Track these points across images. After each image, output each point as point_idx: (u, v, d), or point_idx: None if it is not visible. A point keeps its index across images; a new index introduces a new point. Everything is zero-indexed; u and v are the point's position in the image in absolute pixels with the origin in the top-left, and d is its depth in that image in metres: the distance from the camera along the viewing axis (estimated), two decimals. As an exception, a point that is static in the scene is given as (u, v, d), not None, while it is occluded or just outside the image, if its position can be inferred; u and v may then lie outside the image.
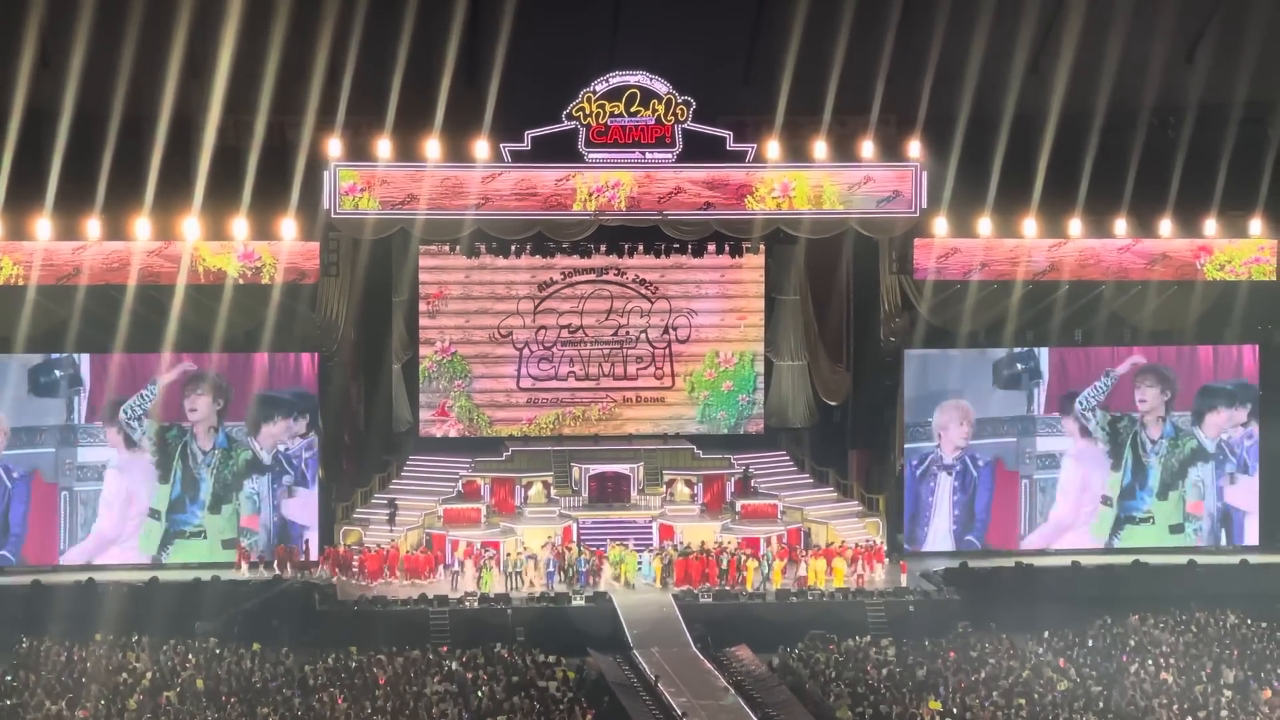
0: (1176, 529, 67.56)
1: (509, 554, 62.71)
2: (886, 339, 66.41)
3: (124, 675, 52.54)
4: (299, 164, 62.93)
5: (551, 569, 61.99)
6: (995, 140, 64.76)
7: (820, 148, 64.11)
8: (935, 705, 50.78)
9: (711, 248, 66.91)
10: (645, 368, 71.73)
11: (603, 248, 67.34)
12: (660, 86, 63.02)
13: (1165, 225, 65.76)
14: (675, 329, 71.65)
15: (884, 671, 54.10)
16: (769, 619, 59.83)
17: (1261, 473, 67.90)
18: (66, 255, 62.01)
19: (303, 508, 64.29)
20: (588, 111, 62.94)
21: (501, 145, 62.82)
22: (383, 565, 62.48)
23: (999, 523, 66.97)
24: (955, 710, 50.54)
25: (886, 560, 64.00)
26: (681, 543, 63.86)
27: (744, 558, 62.49)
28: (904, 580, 62.63)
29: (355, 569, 62.45)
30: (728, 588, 61.21)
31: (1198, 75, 67.60)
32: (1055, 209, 65.25)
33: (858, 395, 69.28)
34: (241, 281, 63.01)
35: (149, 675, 52.85)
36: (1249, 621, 58.92)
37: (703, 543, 63.68)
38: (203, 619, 58.81)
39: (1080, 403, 66.83)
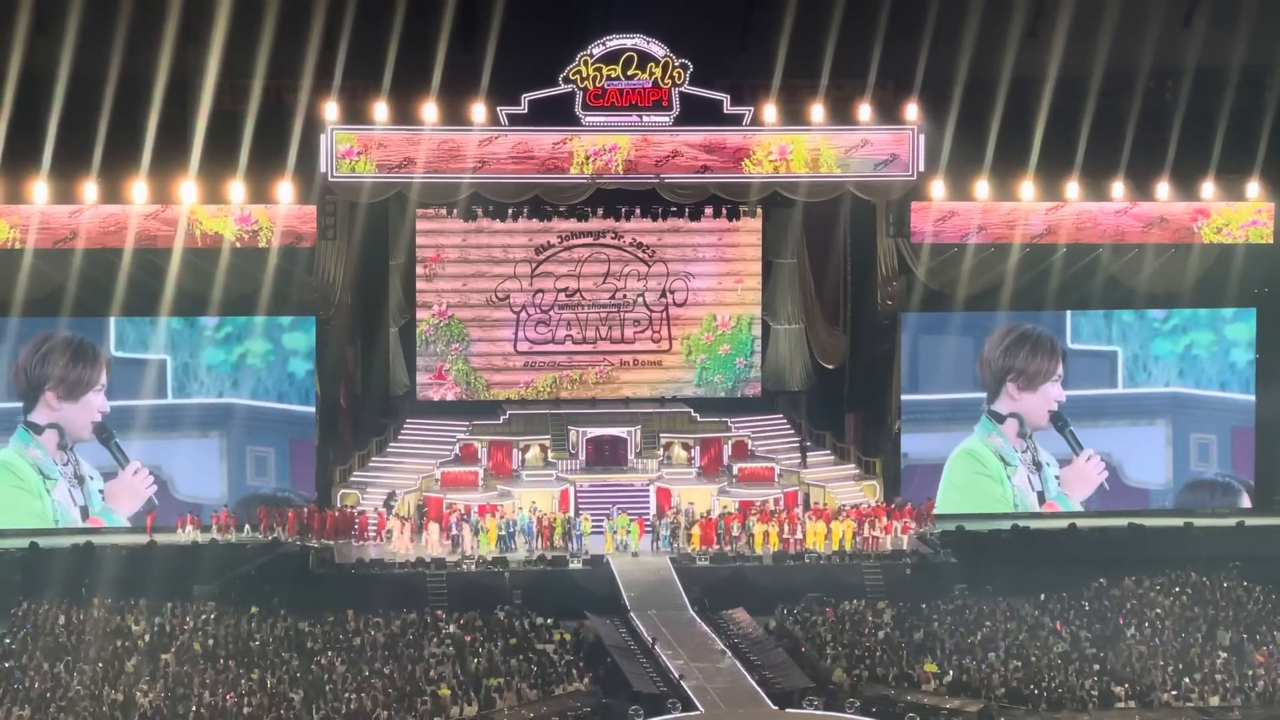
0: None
1: (502, 515, 62.93)
2: (883, 302, 66.41)
3: (120, 641, 52.70)
4: (296, 127, 62.79)
5: (532, 533, 62.29)
6: (993, 103, 64.62)
7: (817, 111, 63.96)
8: (931, 668, 51.01)
9: (709, 211, 66.96)
10: (642, 331, 71.74)
11: (600, 211, 67.25)
12: (657, 49, 62.90)
13: (1163, 188, 65.68)
14: (672, 292, 71.64)
15: (880, 634, 54.32)
16: (766, 582, 60.00)
17: (1258, 437, 68.03)
18: (63, 219, 61.85)
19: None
20: (584, 75, 62.82)
21: (498, 108, 62.71)
22: (335, 525, 62.80)
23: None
24: (952, 672, 50.77)
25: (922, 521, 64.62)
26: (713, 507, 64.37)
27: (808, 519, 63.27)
28: (905, 543, 62.72)
29: (317, 529, 62.58)
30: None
31: (1195, 39, 67.43)
32: (1053, 172, 65.16)
33: (855, 358, 69.31)
34: (238, 245, 62.90)
35: (147, 638, 53.05)
36: (1244, 584, 59.10)
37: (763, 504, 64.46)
38: (200, 582, 58.98)
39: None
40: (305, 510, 63.09)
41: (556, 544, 61.96)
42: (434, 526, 62.50)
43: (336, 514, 63.17)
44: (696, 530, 62.33)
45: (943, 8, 65.08)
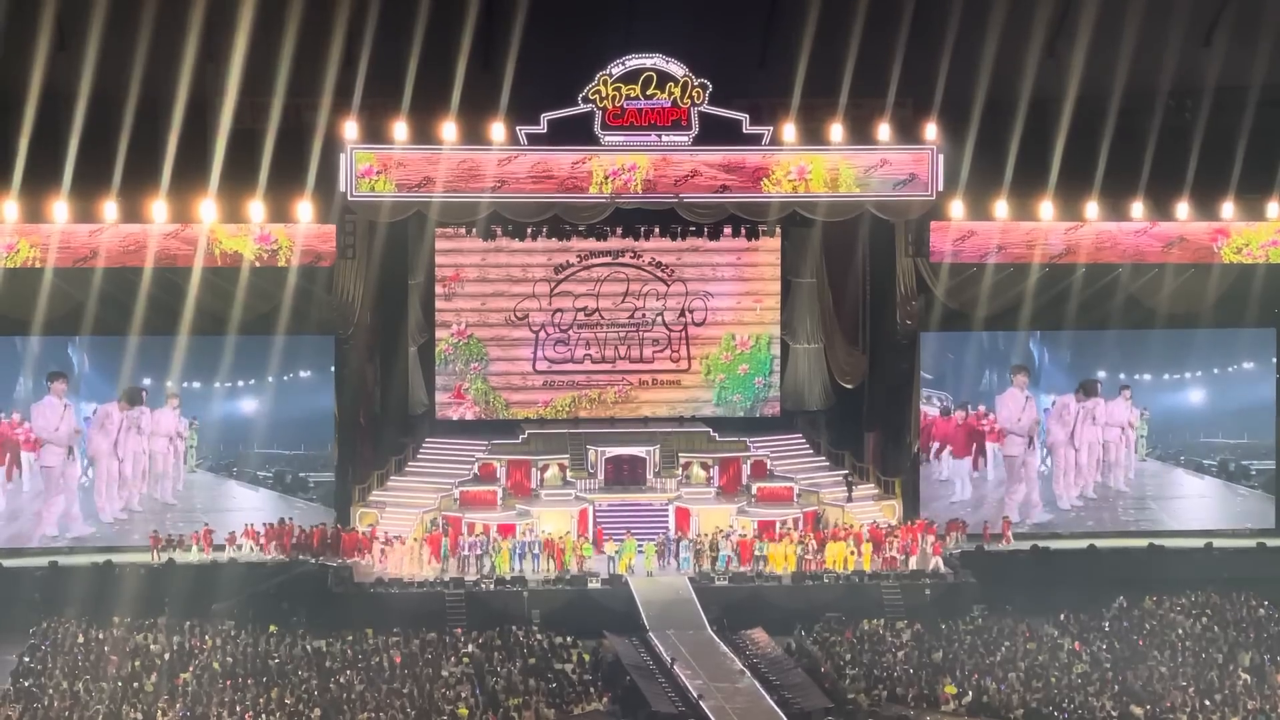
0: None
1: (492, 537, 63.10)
2: (902, 322, 66.25)
3: (137, 661, 52.74)
4: (315, 146, 62.85)
5: (535, 552, 62.18)
6: (1012, 123, 64.57)
7: (836, 130, 63.90)
8: (951, 690, 50.87)
9: (728, 230, 66.88)
10: (661, 350, 71.74)
11: (619, 230, 67.29)
12: (676, 69, 62.90)
13: (1182, 208, 65.49)
14: (691, 312, 71.66)
15: (900, 654, 54.22)
16: (785, 602, 59.93)
17: (1279, 455, 67.86)
18: (83, 238, 61.95)
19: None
20: (604, 94, 62.83)
21: (517, 128, 62.73)
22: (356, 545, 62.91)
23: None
24: (971, 693, 50.66)
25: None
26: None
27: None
28: (940, 563, 62.44)
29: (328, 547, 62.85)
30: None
31: (1215, 58, 67.33)
32: (1072, 192, 65.04)
33: (874, 378, 69.21)
34: (258, 264, 62.97)
35: (166, 656, 53.08)
36: (1266, 604, 58.92)
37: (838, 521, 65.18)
38: (219, 601, 59.00)
39: None
40: (280, 524, 63.30)
41: (568, 566, 61.79)
42: (411, 544, 62.40)
43: (322, 529, 63.20)
44: (772, 549, 62.22)
45: (962, 27, 65.04)
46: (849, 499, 67.18)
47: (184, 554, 62.54)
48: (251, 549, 62.99)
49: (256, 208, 62.34)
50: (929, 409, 66.79)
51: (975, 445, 67.29)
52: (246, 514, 64.25)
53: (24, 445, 63.85)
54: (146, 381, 64.27)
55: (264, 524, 63.50)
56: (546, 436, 69.24)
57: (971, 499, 66.88)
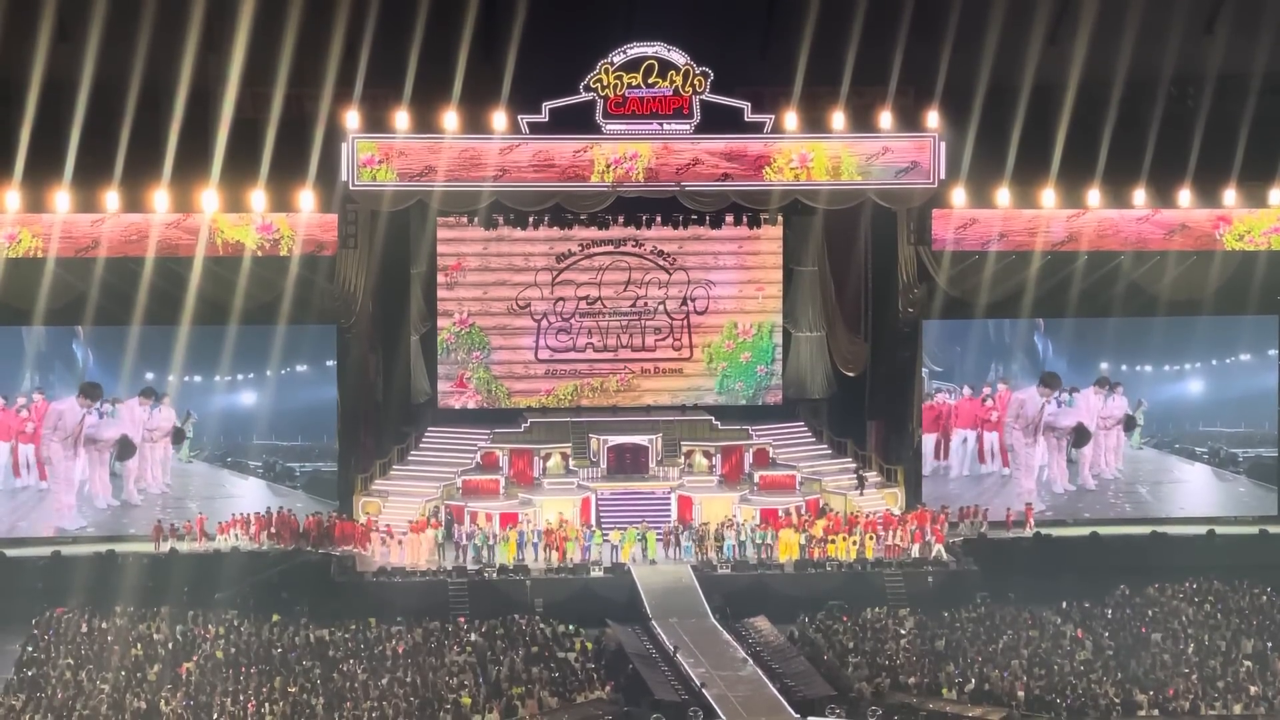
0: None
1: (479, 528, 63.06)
2: (904, 310, 66.27)
3: (140, 646, 52.77)
4: (317, 136, 62.78)
5: (535, 542, 62.30)
6: (1014, 110, 64.55)
7: (838, 119, 63.86)
8: (945, 692, 50.84)
9: (729, 219, 66.89)
10: (663, 339, 71.73)
11: (620, 219, 67.22)
12: (678, 57, 62.87)
13: (1184, 195, 65.51)
14: (693, 300, 71.64)
15: (902, 642, 54.23)
16: (787, 590, 59.98)
17: (1281, 446, 68.14)
18: (85, 227, 61.98)
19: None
20: (605, 83, 62.80)
21: (519, 117, 62.72)
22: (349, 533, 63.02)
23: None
24: (974, 680, 50.68)
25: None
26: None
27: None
28: (942, 551, 62.46)
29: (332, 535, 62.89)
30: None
31: (1217, 45, 67.25)
32: (1074, 179, 65.04)
33: (876, 366, 69.20)
34: (260, 254, 62.98)
35: (169, 645, 53.10)
36: (1269, 591, 58.92)
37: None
38: (222, 590, 59.03)
39: None
40: (275, 514, 63.36)
41: (569, 556, 61.81)
42: (410, 536, 62.53)
43: (312, 519, 63.29)
44: (785, 535, 62.39)
45: (964, 15, 64.98)
46: (861, 492, 67.14)
47: (185, 543, 62.50)
48: (239, 537, 63.02)
49: (258, 197, 62.35)
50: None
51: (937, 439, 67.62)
52: (234, 503, 64.38)
53: (21, 438, 63.84)
54: (149, 376, 64.25)
55: (253, 513, 63.55)
56: (549, 425, 69.26)
57: (935, 492, 66.91)
